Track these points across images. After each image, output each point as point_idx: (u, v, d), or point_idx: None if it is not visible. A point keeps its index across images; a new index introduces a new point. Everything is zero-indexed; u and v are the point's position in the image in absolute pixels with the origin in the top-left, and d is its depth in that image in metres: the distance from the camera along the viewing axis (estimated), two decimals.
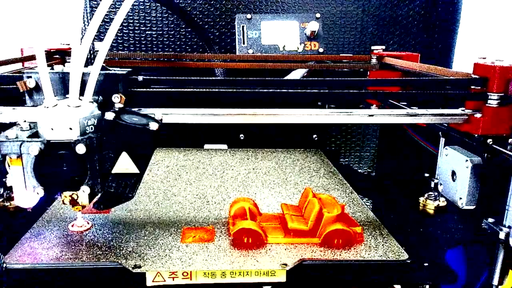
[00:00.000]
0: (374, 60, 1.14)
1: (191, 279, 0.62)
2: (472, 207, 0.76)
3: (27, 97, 0.64)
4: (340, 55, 1.15)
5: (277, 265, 0.63)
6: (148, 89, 0.70)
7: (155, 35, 1.36)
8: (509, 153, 0.67)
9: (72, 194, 0.61)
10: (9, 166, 0.58)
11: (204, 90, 0.72)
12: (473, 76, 0.75)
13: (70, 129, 0.57)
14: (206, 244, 0.68)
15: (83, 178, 0.59)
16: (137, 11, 1.34)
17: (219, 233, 0.71)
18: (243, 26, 1.16)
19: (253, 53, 1.13)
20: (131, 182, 0.63)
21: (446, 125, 0.79)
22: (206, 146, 1.20)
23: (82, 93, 0.60)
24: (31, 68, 0.78)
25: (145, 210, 0.79)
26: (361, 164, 1.45)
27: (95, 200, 0.63)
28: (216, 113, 0.70)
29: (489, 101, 0.71)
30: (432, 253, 0.69)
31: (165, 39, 1.36)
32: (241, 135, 1.22)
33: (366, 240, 0.70)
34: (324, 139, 1.26)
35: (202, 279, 0.62)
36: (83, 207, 0.62)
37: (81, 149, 0.56)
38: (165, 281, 0.62)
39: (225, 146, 1.21)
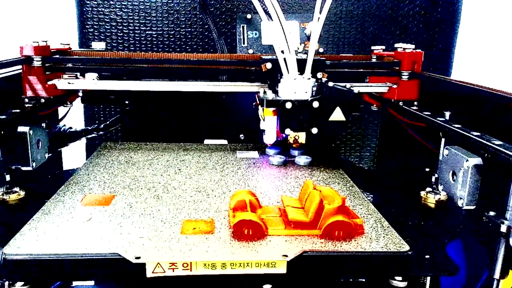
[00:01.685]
0: (374, 60, 1.14)
1: (191, 270, 0.62)
2: (473, 207, 0.76)
3: (264, 76, 0.98)
4: (340, 55, 1.15)
5: (277, 257, 0.63)
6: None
7: (155, 35, 1.36)
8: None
9: (296, 135, 0.99)
10: (262, 116, 0.93)
11: None
12: (395, 60, 1.06)
13: (306, 92, 0.91)
14: (206, 236, 0.68)
15: (312, 123, 0.92)
16: (137, 11, 1.34)
17: (219, 225, 0.71)
18: (243, 26, 1.16)
19: (253, 53, 1.13)
20: (341, 126, 0.93)
21: (376, 94, 1.10)
22: (206, 141, 1.20)
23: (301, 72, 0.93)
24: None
25: (145, 203, 0.79)
26: (361, 163, 1.45)
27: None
28: None
29: (402, 77, 1.04)
30: (433, 246, 0.69)
31: (165, 39, 1.37)
32: (241, 135, 1.22)
33: (367, 232, 0.70)
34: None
35: (202, 270, 0.62)
36: (300, 144, 1.01)
37: (315, 104, 0.90)
38: (165, 272, 0.61)
39: (225, 141, 1.21)
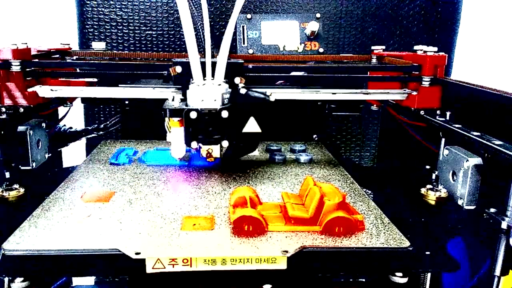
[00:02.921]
0: (374, 60, 1.14)
1: (191, 266, 0.62)
2: (473, 207, 0.76)
3: (173, 80, 0.87)
4: (340, 55, 1.15)
5: (278, 252, 0.63)
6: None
7: (155, 35, 1.36)
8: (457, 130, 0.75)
9: (208, 148, 0.84)
10: (168, 127, 0.83)
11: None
12: (413, 64, 0.96)
13: (215, 100, 0.80)
14: (206, 232, 0.68)
15: (223, 135, 0.82)
16: (137, 11, 1.34)
17: (220, 222, 0.71)
18: (243, 26, 1.16)
19: (253, 53, 1.13)
20: (255, 139, 0.86)
21: (393, 101, 1.01)
22: None
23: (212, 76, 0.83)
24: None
25: (144, 199, 0.79)
26: (362, 163, 1.45)
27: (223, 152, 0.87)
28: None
29: (422, 83, 0.94)
30: (434, 242, 0.69)
31: (165, 39, 1.37)
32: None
33: (367, 228, 0.70)
34: (324, 139, 1.26)
35: (202, 266, 0.62)
36: (215, 159, 0.86)
37: (224, 114, 0.80)
38: (165, 267, 0.61)
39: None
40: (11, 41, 0.92)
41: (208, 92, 0.81)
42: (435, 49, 0.97)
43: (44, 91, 0.93)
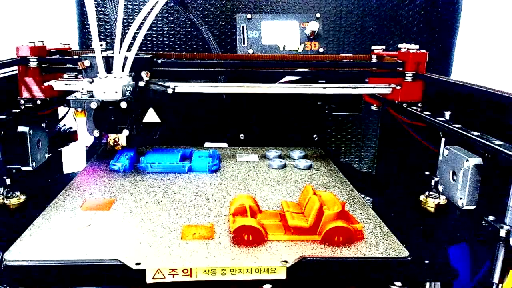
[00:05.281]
0: (374, 60, 1.14)
1: (191, 276, 0.62)
2: (473, 207, 0.76)
3: (83, 73, 0.93)
4: (340, 55, 1.15)
5: (277, 262, 0.63)
6: (164, 68, 0.98)
7: (155, 35, 1.36)
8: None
9: (115, 137, 0.94)
10: (75, 117, 0.91)
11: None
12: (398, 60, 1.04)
13: (116, 92, 0.85)
14: (206, 241, 0.68)
15: (124, 125, 0.86)
16: (137, 11, 1.34)
17: (219, 231, 0.71)
18: (243, 26, 1.16)
19: (253, 53, 1.12)
20: (155, 129, 0.94)
21: (379, 95, 1.08)
22: (206, 144, 1.20)
23: (122, 69, 0.88)
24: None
25: (145, 207, 0.79)
26: (361, 164, 1.45)
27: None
28: (214, 86, 1.01)
29: (406, 78, 1.02)
30: (433, 251, 0.69)
31: (165, 39, 1.36)
32: (241, 135, 1.22)
33: (366, 237, 0.70)
34: (324, 139, 1.26)
35: (202, 276, 0.62)
36: (122, 147, 0.96)
37: (123, 105, 0.83)
38: (165, 278, 0.62)
39: (225, 145, 1.21)
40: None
41: (109, 85, 0.85)
42: (417, 46, 1.04)
43: (59, 85, 0.99)
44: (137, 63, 0.90)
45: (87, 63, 0.92)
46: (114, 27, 1.06)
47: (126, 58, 0.88)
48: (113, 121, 0.86)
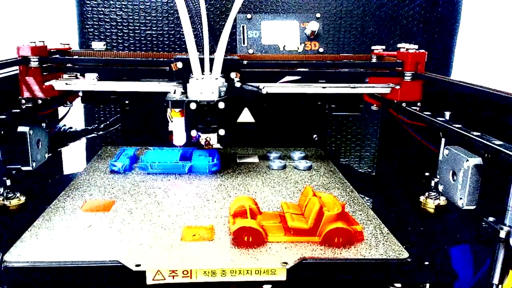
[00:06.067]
0: (374, 60, 1.14)
1: (191, 278, 0.62)
2: (473, 207, 0.76)
3: (175, 75, 0.95)
4: (340, 55, 1.15)
5: (277, 264, 0.63)
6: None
7: (155, 35, 1.36)
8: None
9: (207, 137, 0.92)
10: (171, 117, 0.90)
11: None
12: (398, 60, 1.04)
13: (212, 93, 0.89)
14: (206, 243, 0.68)
15: (219, 125, 0.90)
16: (137, 11, 1.34)
17: (219, 232, 0.71)
18: (243, 26, 1.16)
19: (253, 53, 1.12)
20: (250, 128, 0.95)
21: (378, 95, 1.08)
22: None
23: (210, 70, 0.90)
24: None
25: (145, 208, 0.79)
26: (361, 164, 1.45)
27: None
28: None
29: (405, 77, 1.01)
30: (433, 252, 0.69)
31: (165, 39, 1.36)
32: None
33: (366, 238, 0.70)
34: (324, 139, 1.26)
35: (202, 278, 0.62)
36: (211, 145, 0.94)
37: (221, 105, 0.88)
38: (165, 279, 0.62)
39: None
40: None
41: (206, 86, 0.89)
42: (416, 46, 1.03)
43: (60, 84, 0.99)
44: (225, 64, 0.92)
45: (179, 64, 0.94)
46: (200, 29, 1.04)
47: (212, 59, 0.91)
48: (209, 121, 0.89)
